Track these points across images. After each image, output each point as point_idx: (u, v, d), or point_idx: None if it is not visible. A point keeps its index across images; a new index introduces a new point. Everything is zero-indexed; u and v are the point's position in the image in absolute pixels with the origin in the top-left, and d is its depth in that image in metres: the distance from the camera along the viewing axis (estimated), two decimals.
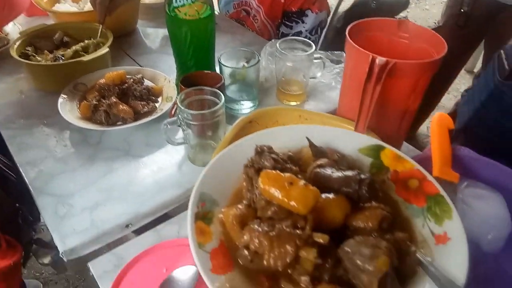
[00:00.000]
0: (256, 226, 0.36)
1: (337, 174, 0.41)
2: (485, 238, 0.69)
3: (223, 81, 0.88)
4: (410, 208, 0.40)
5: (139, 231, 0.77)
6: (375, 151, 0.47)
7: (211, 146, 0.87)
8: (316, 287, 0.34)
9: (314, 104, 1.06)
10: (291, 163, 0.45)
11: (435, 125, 0.81)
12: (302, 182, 0.37)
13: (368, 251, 0.33)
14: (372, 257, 0.32)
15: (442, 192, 0.40)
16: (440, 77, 1.71)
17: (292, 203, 0.36)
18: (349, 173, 0.41)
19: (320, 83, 1.11)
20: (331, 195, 0.39)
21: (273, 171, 0.39)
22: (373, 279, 0.32)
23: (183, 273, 0.68)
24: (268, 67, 1.11)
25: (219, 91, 0.80)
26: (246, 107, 1.02)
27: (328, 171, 0.42)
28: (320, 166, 0.43)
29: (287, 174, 0.38)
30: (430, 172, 0.74)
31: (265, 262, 0.34)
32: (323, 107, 1.03)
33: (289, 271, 0.35)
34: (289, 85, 1.03)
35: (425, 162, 0.76)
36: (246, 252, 0.36)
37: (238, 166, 0.44)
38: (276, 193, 0.36)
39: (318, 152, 0.47)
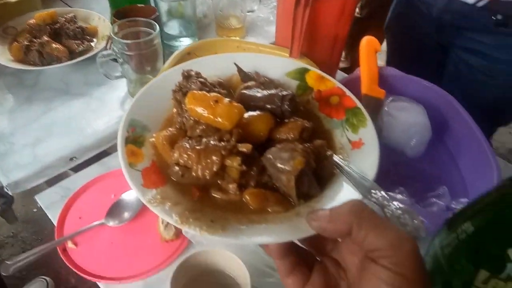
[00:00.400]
0: (184, 143, 0.38)
1: (261, 93, 0.44)
2: (408, 144, 0.77)
3: (157, 13, 0.87)
4: (331, 122, 0.44)
5: (85, 165, 0.79)
6: (301, 74, 0.49)
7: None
8: (243, 192, 0.37)
9: (254, 39, 1.08)
10: (220, 88, 0.47)
11: (364, 48, 0.86)
12: (227, 99, 0.39)
13: (286, 155, 0.36)
14: (289, 158, 0.36)
15: (359, 104, 0.44)
16: (381, 19, 1.78)
17: (218, 119, 0.38)
18: (272, 91, 0.43)
19: (258, 18, 1.13)
20: (256, 113, 0.41)
21: (199, 92, 0.41)
22: (291, 177, 0.35)
23: (132, 194, 0.71)
24: (205, 2, 1.11)
25: (153, 22, 0.80)
26: (185, 43, 1.03)
27: (254, 91, 0.44)
28: (247, 87, 0.46)
29: (213, 94, 0.40)
30: (359, 91, 0.80)
31: (193, 174, 0.37)
32: (264, 40, 1.06)
33: (218, 181, 0.37)
34: (227, 19, 1.04)
35: (355, 81, 0.82)
36: (176, 168, 0.38)
37: (168, 94, 0.45)
38: (203, 111, 0.38)
39: (246, 77, 0.49)
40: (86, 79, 0.91)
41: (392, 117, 0.78)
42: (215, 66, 0.49)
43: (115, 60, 0.81)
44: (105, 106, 0.87)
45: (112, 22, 0.86)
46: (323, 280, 0.33)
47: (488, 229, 0.38)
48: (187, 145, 0.37)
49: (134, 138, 0.40)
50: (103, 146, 0.81)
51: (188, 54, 0.86)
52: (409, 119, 0.78)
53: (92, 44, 0.97)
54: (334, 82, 0.47)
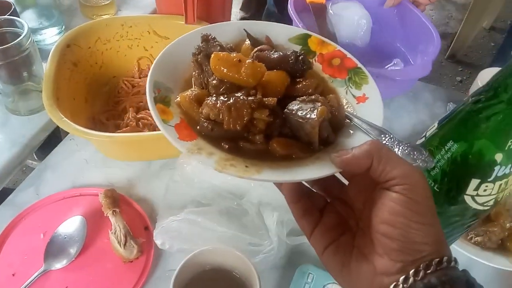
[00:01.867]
0: (213, 99, 0.41)
1: (276, 54, 0.46)
2: (358, 36, 0.84)
3: (13, 7, 0.71)
4: (335, 81, 0.48)
5: None
6: (303, 39, 0.52)
7: (33, 88, 0.73)
8: (268, 142, 0.40)
9: (129, 12, 0.96)
10: (234, 52, 0.47)
11: None
12: (249, 59, 0.42)
13: (309, 106, 0.40)
14: (312, 109, 0.39)
15: (359, 64, 0.48)
16: None
17: (243, 77, 0.41)
18: (286, 52, 0.46)
19: None
20: (273, 71, 0.44)
21: (222, 53, 0.43)
22: (315, 124, 0.38)
23: (68, 226, 0.61)
24: None
25: (17, 18, 0.65)
26: (51, 34, 0.87)
27: (268, 53, 0.47)
28: (260, 50, 0.47)
29: (235, 54, 0.43)
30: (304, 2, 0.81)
31: (225, 126, 0.39)
32: (141, 12, 0.95)
33: (244, 134, 0.40)
34: None
35: None
36: (206, 123, 0.40)
37: (184, 57, 0.46)
38: (227, 70, 0.41)
39: (256, 41, 0.50)
40: None
41: (339, 16, 0.84)
42: (222, 33, 0.50)
43: None
44: None
45: None
46: (333, 219, 0.38)
47: (473, 142, 0.41)
48: (217, 101, 0.40)
49: (161, 98, 0.42)
50: (2, 182, 0.66)
51: (68, 47, 0.73)
52: (354, 14, 0.85)
53: None
54: (335, 46, 0.51)
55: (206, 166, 0.36)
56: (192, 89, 0.44)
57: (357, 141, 0.39)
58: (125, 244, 0.59)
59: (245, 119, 0.39)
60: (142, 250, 0.59)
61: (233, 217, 0.64)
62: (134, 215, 0.64)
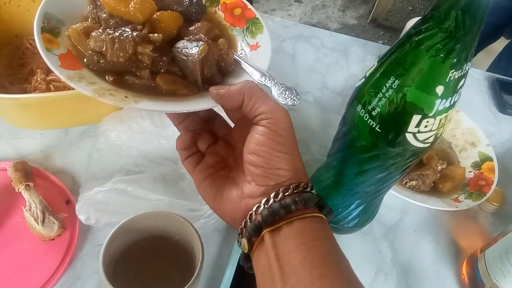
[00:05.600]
0: (99, 31, 0.40)
1: None
2: None
3: None
4: (234, 29, 0.50)
5: None
6: None
7: None
8: (155, 77, 0.41)
9: None
10: None
11: None
12: None
13: (193, 44, 0.41)
14: (195, 47, 0.41)
15: (258, 15, 0.50)
16: None
17: (132, 11, 0.41)
18: None
19: None
20: (166, 11, 0.44)
21: None
22: (196, 61, 0.40)
23: None
24: None
25: None
26: None
27: None
28: None
29: None
30: None
31: (108, 58, 0.39)
32: None
33: (132, 69, 0.40)
34: None
35: None
36: (93, 55, 0.40)
37: None
38: (115, 4, 0.41)
39: None
40: None
41: None
42: None
43: None
44: None
45: None
46: (214, 158, 0.41)
47: (414, 76, 0.39)
48: (102, 34, 0.40)
49: (50, 29, 0.41)
50: None
51: None
52: None
53: None
54: None
55: (84, 92, 0.36)
56: (84, 22, 0.43)
57: None
58: (43, 221, 0.51)
59: (128, 52, 0.39)
60: (64, 226, 0.53)
61: (169, 182, 0.59)
62: (52, 188, 0.57)
